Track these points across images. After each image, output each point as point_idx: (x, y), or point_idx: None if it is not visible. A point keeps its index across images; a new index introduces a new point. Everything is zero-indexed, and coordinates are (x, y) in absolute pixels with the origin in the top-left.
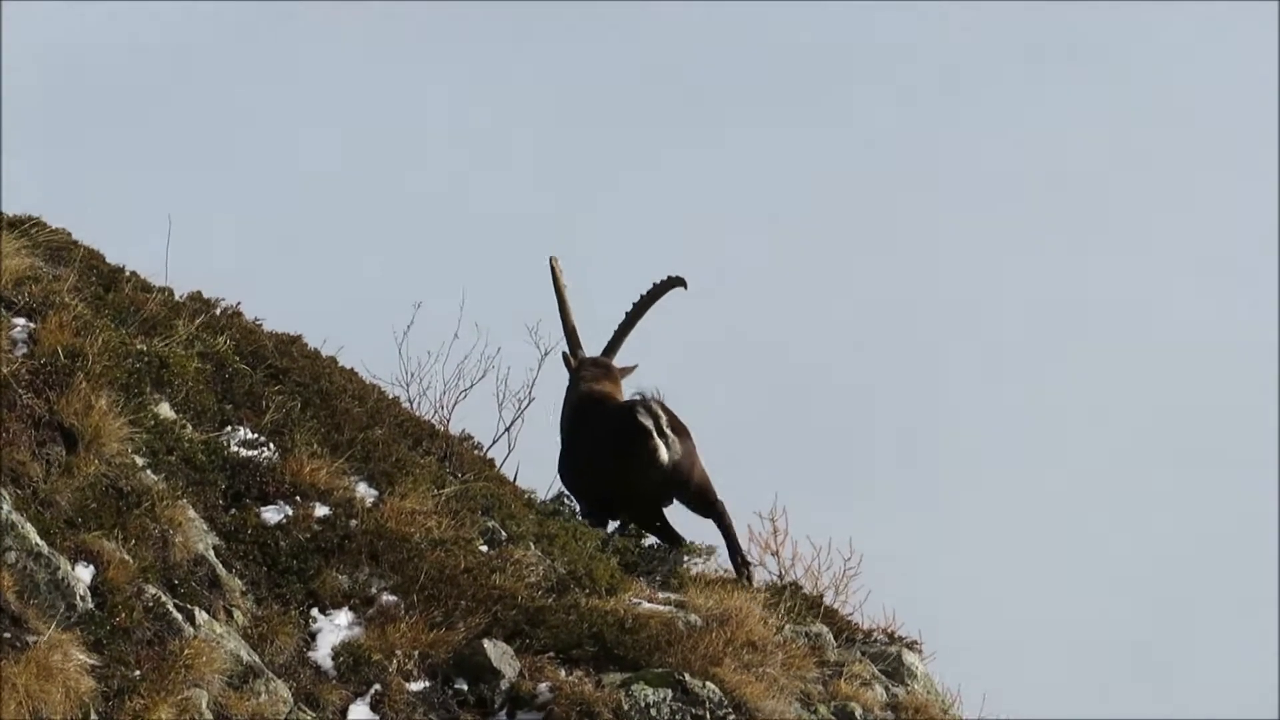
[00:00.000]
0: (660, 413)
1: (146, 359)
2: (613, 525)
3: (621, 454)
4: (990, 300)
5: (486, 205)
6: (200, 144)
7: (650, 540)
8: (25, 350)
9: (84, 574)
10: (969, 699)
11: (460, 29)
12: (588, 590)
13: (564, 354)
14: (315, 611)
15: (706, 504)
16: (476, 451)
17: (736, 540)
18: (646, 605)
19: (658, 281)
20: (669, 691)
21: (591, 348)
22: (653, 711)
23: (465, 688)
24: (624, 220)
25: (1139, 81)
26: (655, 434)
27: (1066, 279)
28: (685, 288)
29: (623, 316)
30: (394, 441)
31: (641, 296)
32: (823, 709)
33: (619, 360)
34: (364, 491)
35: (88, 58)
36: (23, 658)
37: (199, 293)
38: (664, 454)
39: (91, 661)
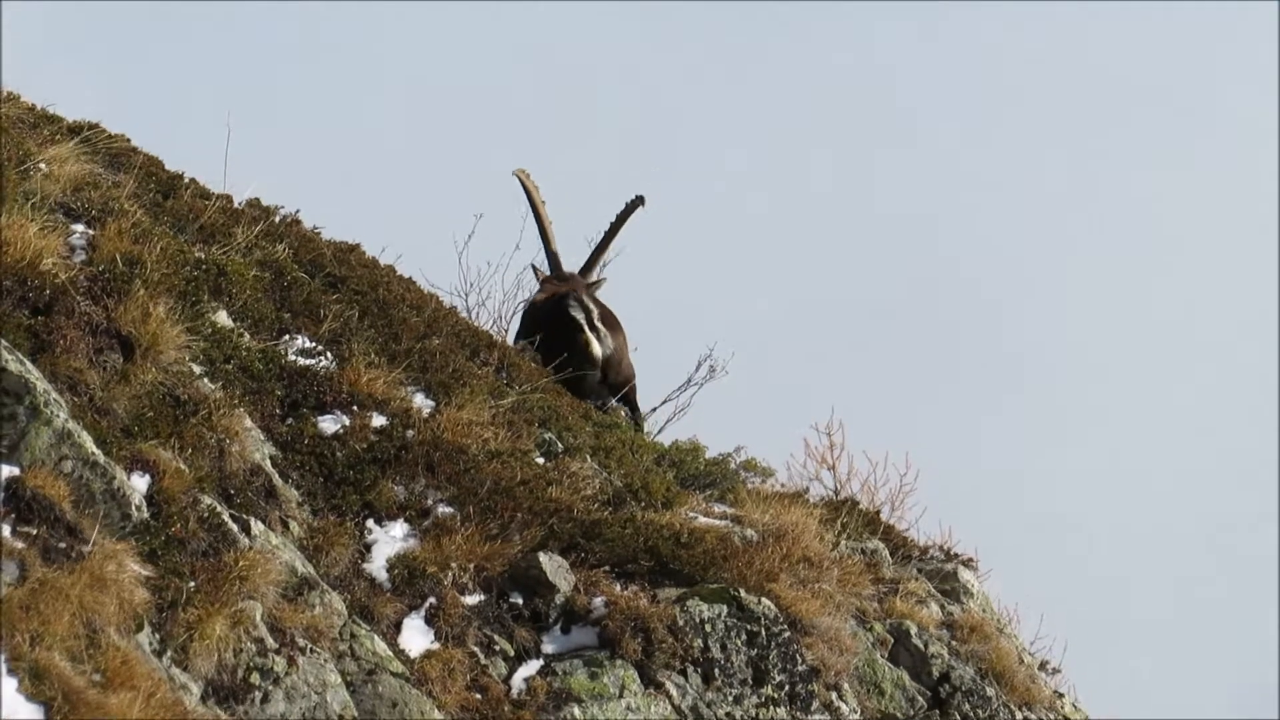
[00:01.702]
0: (591, 307)
1: (205, 267)
2: None
3: (556, 347)
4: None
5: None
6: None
7: (710, 453)
8: (83, 257)
9: (139, 483)
10: (1026, 618)
11: None
12: (644, 504)
13: (532, 265)
14: (371, 523)
15: (627, 400)
16: (534, 362)
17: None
18: (702, 520)
19: (627, 202)
20: (724, 607)
21: None
22: (708, 627)
23: (520, 601)
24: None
25: None
26: (586, 327)
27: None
28: (644, 205)
29: (599, 237)
30: (451, 351)
31: (613, 220)
32: (878, 626)
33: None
34: (421, 402)
35: None
36: (77, 568)
37: (258, 200)
38: (596, 347)
39: (146, 572)
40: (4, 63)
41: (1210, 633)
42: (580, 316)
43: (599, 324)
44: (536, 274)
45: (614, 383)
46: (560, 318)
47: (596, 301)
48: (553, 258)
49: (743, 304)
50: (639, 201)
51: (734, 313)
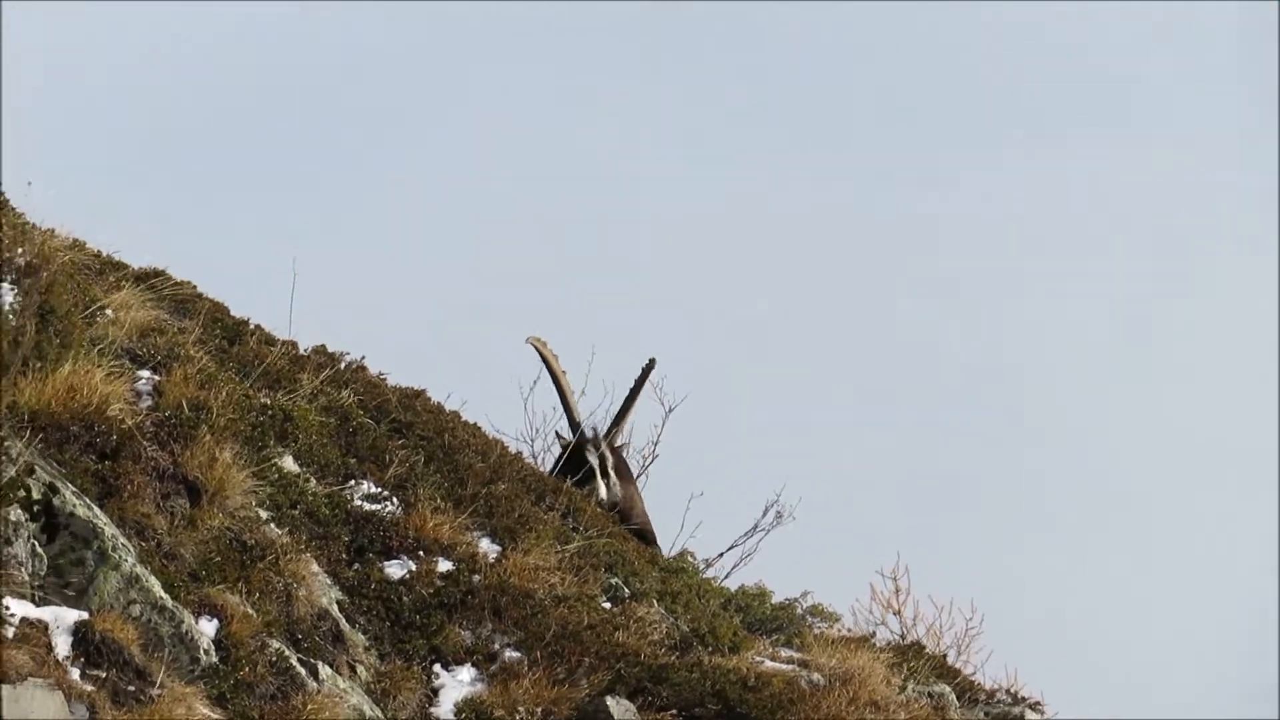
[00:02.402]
0: (608, 455)
1: (270, 412)
2: None
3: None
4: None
5: (617, 262)
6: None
7: (776, 598)
8: (150, 402)
9: (208, 627)
10: None
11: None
12: (710, 648)
13: (556, 432)
14: (438, 667)
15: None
16: (600, 508)
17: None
18: (769, 664)
19: (642, 367)
20: None
21: None
22: None
23: None
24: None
25: None
26: (598, 473)
27: None
28: (654, 366)
29: (619, 404)
30: (517, 497)
31: (631, 386)
32: None
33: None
34: (487, 547)
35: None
36: (147, 711)
37: (323, 346)
38: (603, 492)
39: (215, 716)
40: (74, 209)
41: (1210, 632)
42: (594, 461)
43: (611, 471)
44: (560, 440)
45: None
46: (575, 461)
47: (615, 451)
48: (574, 425)
49: (808, 447)
50: (651, 365)
51: (800, 456)
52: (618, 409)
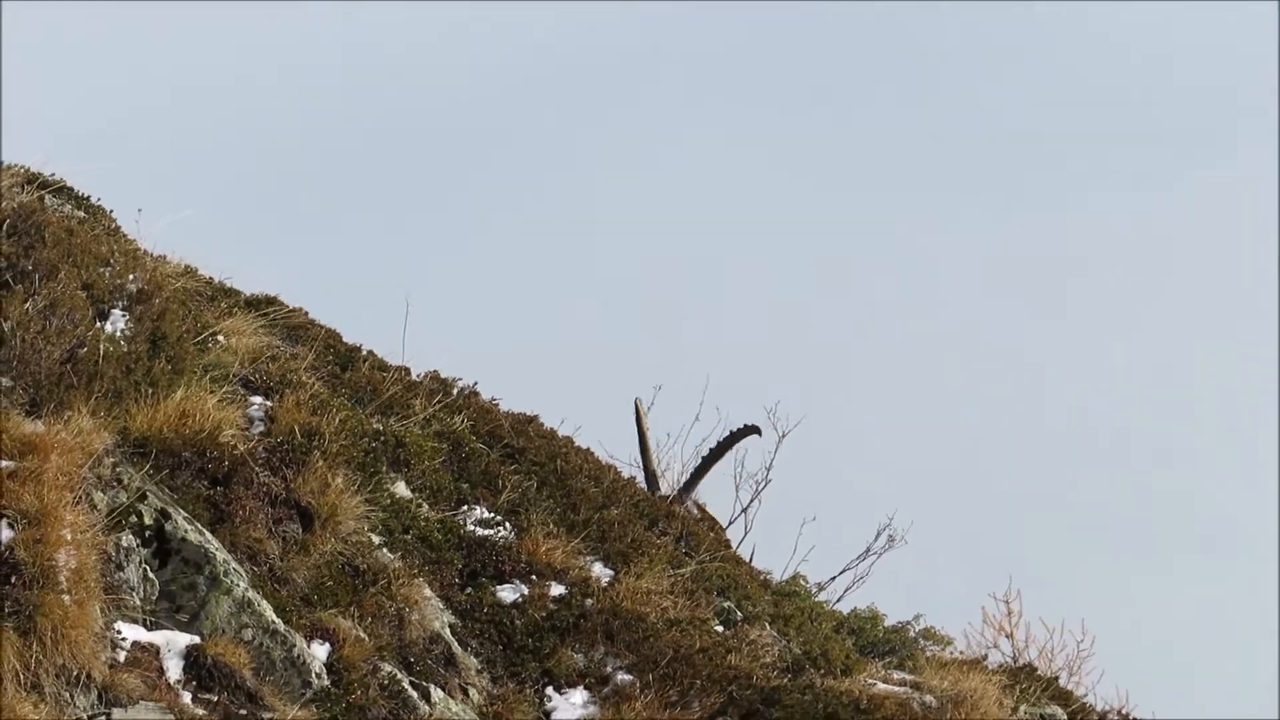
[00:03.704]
0: (692, 508)
1: (383, 438)
2: None
3: None
4: None
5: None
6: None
7: (888, 621)
8: (262, 428)
9: (319, 651)
10: None
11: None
12: (823, 671)
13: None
14: (550, 690)
15: None
16: (712, 532)
17: None
18: (881, 686)
19: (733, 430)
20: None
21: None
22: None
23: None
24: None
25: None
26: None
27: None
28: (760, 435)
29: (699, 461)
30: (630, 521)
31: (718, 443)
32: None
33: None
34: (599, 571)
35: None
36: None
37: (436, 372)
38: None
39: None
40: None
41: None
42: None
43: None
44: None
45: None
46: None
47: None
48: (650, 477)
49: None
50: (750, 430)
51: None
52: (695, 468)
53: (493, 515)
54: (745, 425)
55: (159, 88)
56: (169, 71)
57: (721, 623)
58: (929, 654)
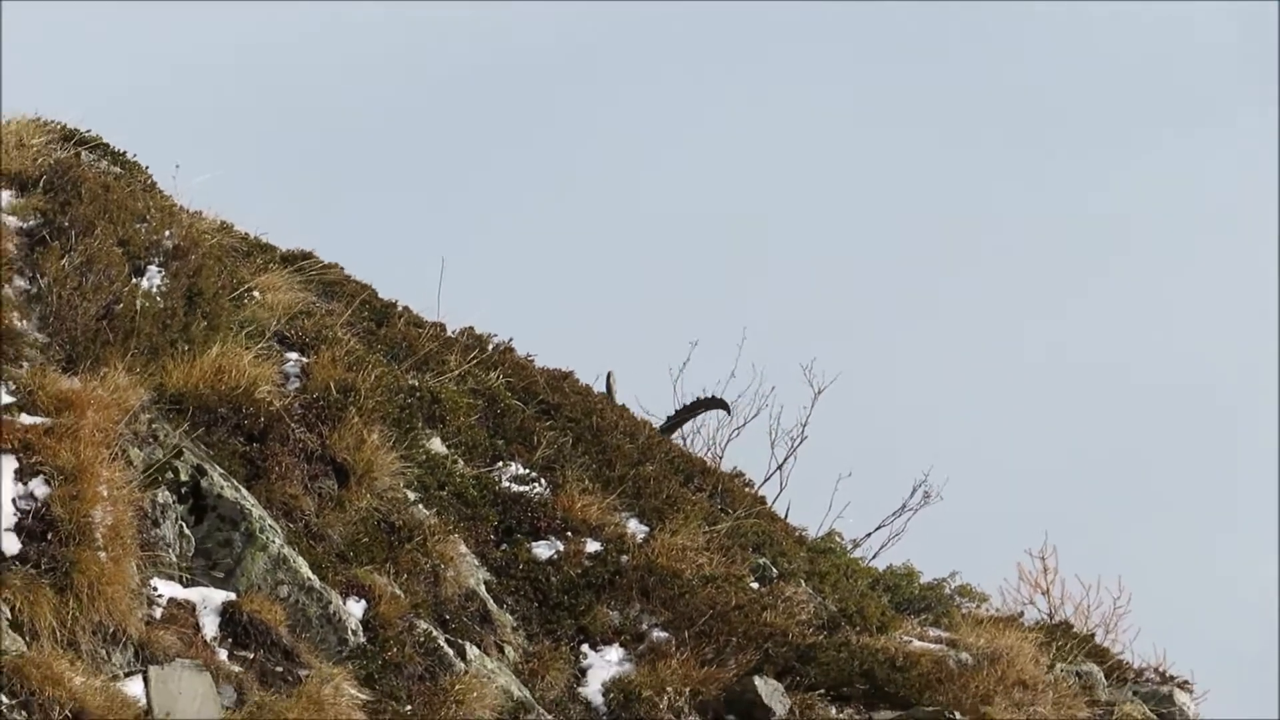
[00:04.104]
0: None
1: (418, 394)
2: None
3: None
4: None
5: (775, 247)
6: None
7: (924, 578)
8: (298, 384)
9: (355, 608)
10: None
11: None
12: (859, 628)
13: None
14: (586, 647)
15: None
16: (748, 488)
17: None
18: (917, 643)
19: (698, 398)
20: None
21: None
22: None
23: None
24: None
25: None
26: None
27: None
28: (728, 413)
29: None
30: (665, 478)
31: (675, 412)
32: None
33: None
34: (635, 527)
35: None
36: (295, 691)
37: (471, 328)
38: None
39: (363, 696)
40: (216, 191)
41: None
42: None
43: None
44: None
45: None
46: None
47: None
48: None
49: (957, 427)
50: (718, 404)
51: (948, 436)
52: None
53: (528, 471)
54: (712, 397)
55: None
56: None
57: (757, 579)
58: (965, 611)
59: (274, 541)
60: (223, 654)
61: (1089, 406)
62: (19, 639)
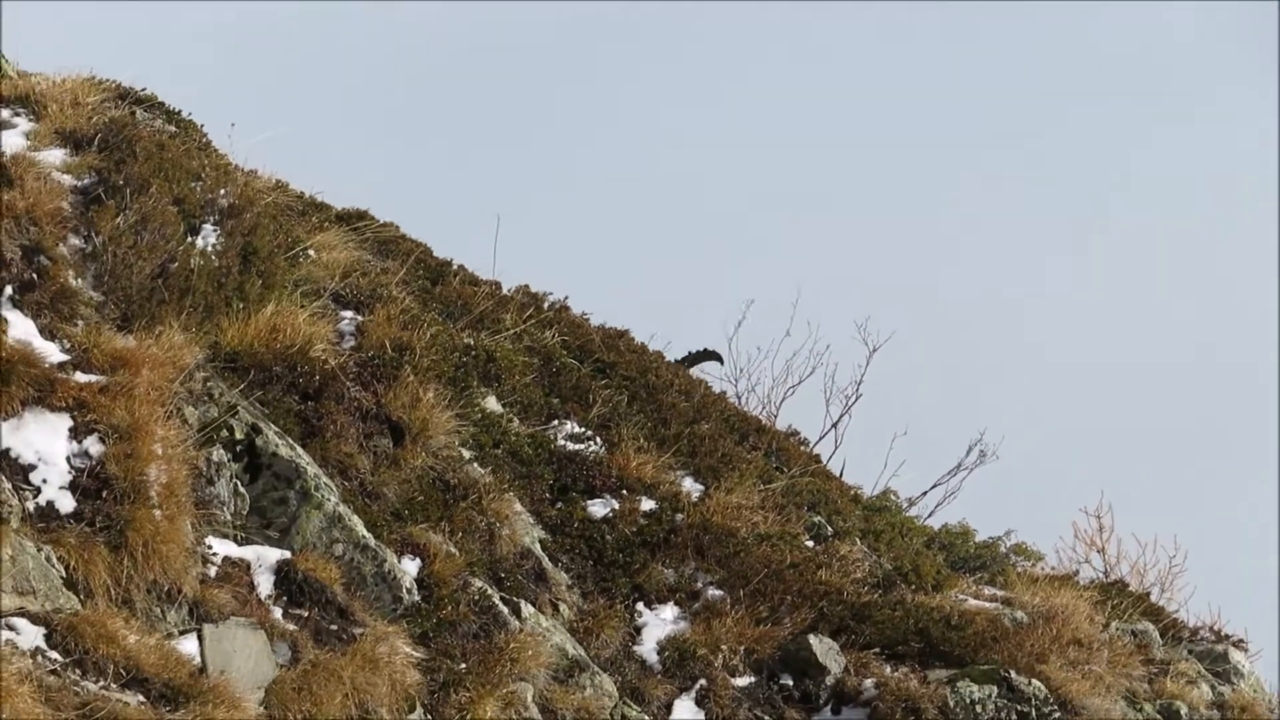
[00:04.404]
0: None
1: (474, 352)
2: None
3: None
4: None
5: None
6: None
7: (979, 536)
8: (352, 343)
9: (410, 566)
10: None
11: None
12: (914, 586)
13: None
14: (641, 605)
15: None
16: (803, 447)
17: None
18: (972, 602)
19: (692, 352)
20: (994, 688)
21: None
22: (978, 708)
23: (790, 683)
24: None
25: None
26: None
27: None
28: (721, 363)
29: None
30: (720, 436)
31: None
32: (1148, 707)
33: None
34: (690, 486)
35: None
36: (349, 649)
37: (526, 287)
38: None
39: (417, 654)
40: (271, 151)
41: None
42: None
43: None
44: None
45: None
46: None
47: None
48: None
49: (1012, 385)
50: (712, 356)
51: (1004, 394)
52: None
53: (583, 430)
54: (705, 349)
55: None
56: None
57: (812, 538)
58: (1020, 569)
59: (329, 500)
60: (277, 612)
61: (1149, 365)
62: (73, 597)
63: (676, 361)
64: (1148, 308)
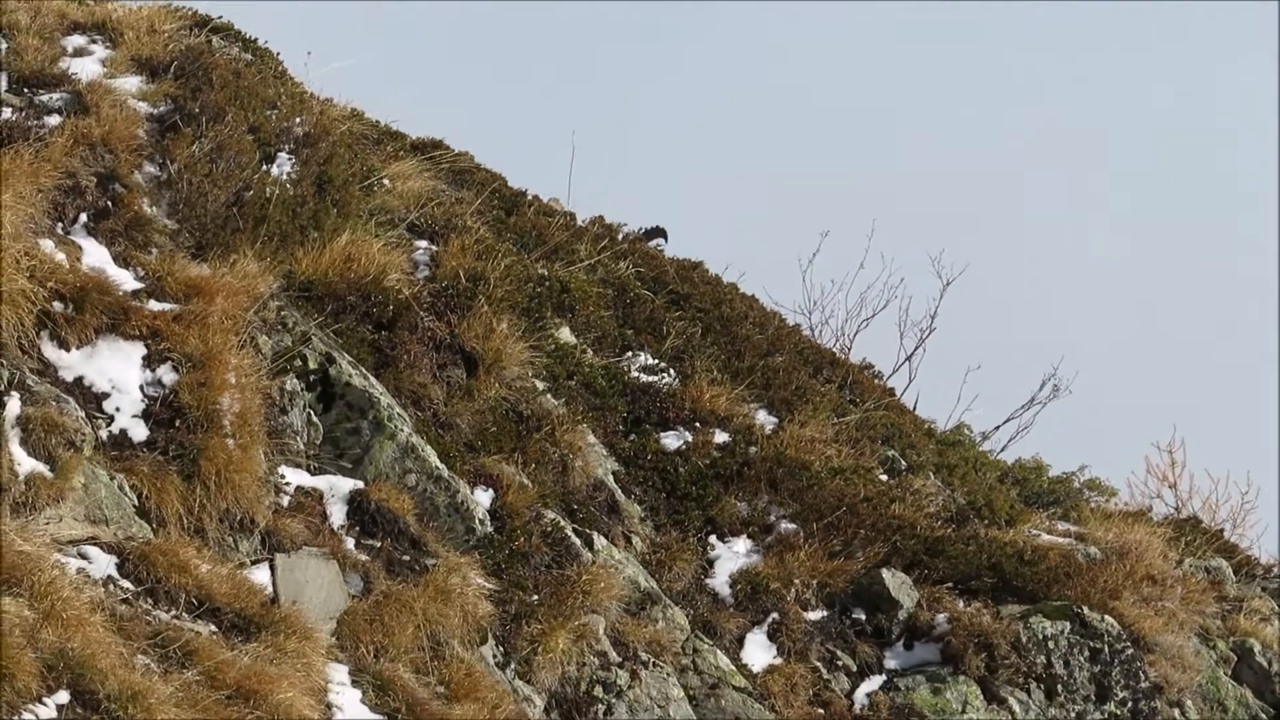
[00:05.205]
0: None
1: (547, 283)
2: None
3: None
4: None
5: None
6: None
7: (1052, 472)
8: (426, 273)
9: (483, 498)
10: None
11: None
12: (987, 521)
13: None
14: (713, 538)
15: None
16: (877, 380)
17: None
18: (1045, 537)
19: (643, 230)
20: (1067, 624)
21: None
22: (1050, 644)
23: (863, 617)
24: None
25: None
26: None
27: None
28: (665, 240)
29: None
30: (794, 369)
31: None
32: (1221, 644)
33: None
34: (763, 419)
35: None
36: (421, 580)
37: (601, 217)
38: None
39: (490, 586)
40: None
41: None
42: None
43: None
44: None
45: None
46: None
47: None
48: None
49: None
50: (657, 233)
51: (1077, 329)
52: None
53: (657, 362)
54: (655, 227)
55: None
56: None
57: (885, 472)
58: (1093, 505)
59: (402, 430)
60: (350, 542)
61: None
62: (145, 526)
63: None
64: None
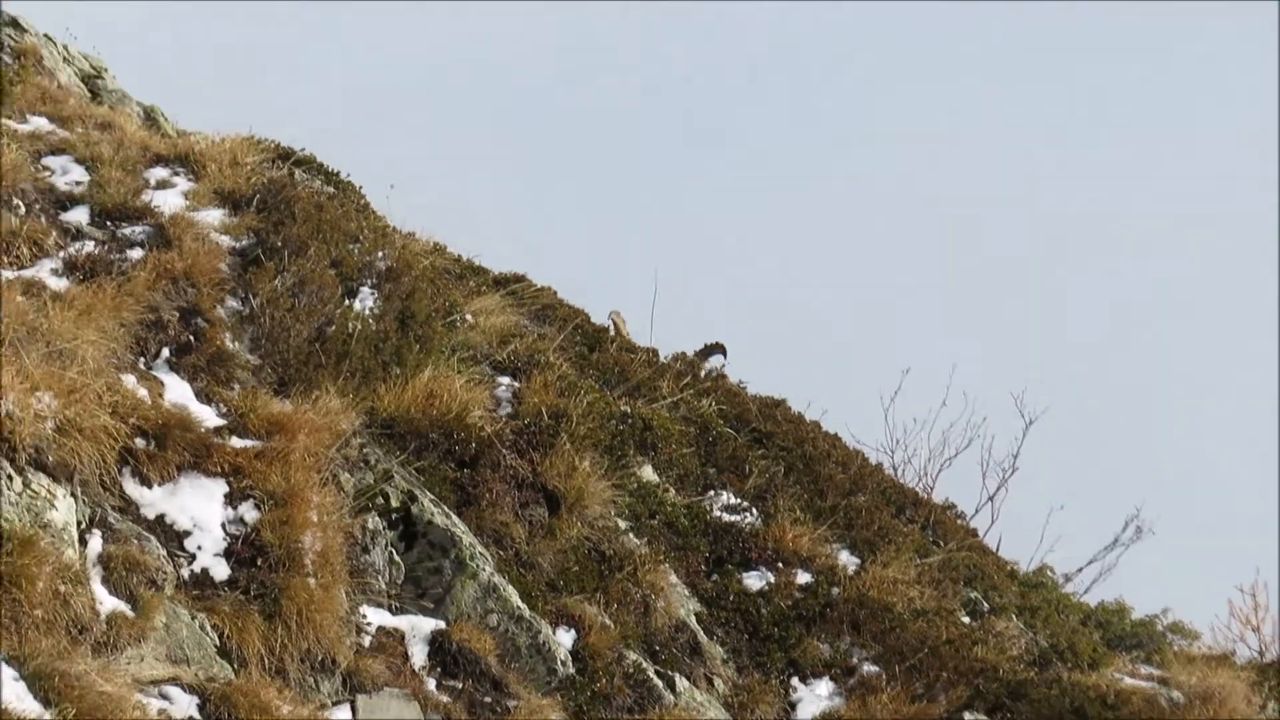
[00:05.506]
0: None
1: (630, 421)
2: None
3: None
4: None
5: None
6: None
7: (1135, 614)
8: (509, 409)
9: (565, 638)
10: None
11: None
12: (1069, 664)
13: None
14: (795, 680)
15: None
16: (959, 520)
17: None
18: (1129, 681)
19: (703, 347)
20: None
21: None
22: None
23: None
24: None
25: None
26: None
27: None
28: (725, 357)
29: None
30: (877, 509)
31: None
32: None
33: None
34: (846, 559)
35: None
36: None
37: (683, 354)
38: None
39: None
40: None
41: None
42: None
43: None
44: None
45: None
46: None
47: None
48: None
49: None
50: (715, 349)
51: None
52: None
53: (739, 500)
54: (715, 343)
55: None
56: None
57: (968, 614)
58: (1176, 648)
59: (484, 569)
60: (431, 683)
61: None
62: (227, 666)
63: (694, 355)
64: None
